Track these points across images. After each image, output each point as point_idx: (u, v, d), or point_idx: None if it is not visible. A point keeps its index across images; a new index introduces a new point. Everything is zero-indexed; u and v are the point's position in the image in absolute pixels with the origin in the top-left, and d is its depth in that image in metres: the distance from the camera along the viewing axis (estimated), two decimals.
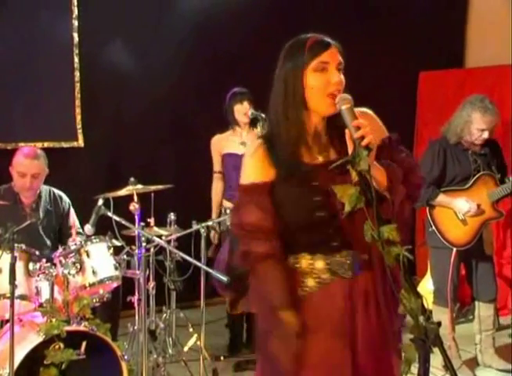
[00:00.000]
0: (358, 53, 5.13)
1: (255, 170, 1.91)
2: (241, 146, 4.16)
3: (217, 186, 4.38)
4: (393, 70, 5.73)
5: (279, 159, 1.88)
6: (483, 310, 3.96)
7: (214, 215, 4.38)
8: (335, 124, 1.88)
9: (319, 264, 1.90)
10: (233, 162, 4.07)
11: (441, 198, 3.80)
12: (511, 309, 5.00)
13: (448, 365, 1.57)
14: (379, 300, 1.91)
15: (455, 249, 3.83)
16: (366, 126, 1.73)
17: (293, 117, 1.86)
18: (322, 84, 1.83)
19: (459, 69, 6.13)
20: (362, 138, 1.71)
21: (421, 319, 1.56)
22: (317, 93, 1.83)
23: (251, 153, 1.94)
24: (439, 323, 1.58)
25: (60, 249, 3.43)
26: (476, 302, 4.01)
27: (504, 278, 5.27)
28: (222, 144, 4.31)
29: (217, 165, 4.38)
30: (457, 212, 3.82)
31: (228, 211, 4.18)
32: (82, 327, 3.10)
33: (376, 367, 1.92)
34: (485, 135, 3.76)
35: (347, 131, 1.78)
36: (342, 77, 1.87)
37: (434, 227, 3.85)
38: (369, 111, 1.97)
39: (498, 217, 3.95)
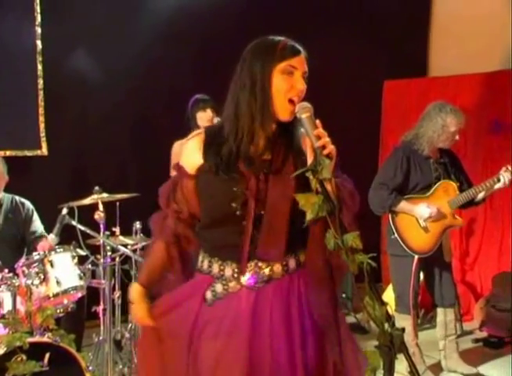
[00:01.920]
0: (323, 63, 5.17)
1: (187, 155, 2.00)
2: None
3: None
4: (358, 79, 5.80)
5: (213, 151, 1.89)
6: (444, 315, 3.99)
7: None
8: (286, 131, 1.90)
9: (228, 271, 1.89)
10: None
11: (403, 205, 3.83)
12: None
13: (413, 371, 1.58)
14: (291, 312, 1.86)
15: (416, 257, 3.87)
16: (327, 136, 1.73)
17: (260, 113, 1.84)
18: (286, 87, 1.83)
19: (423, 78, 6.24)
20: (323, 147, 1.71)
21: (386, 326, 1.57)
22: (279, 95, 1.83)
23: (190, 138, 2.02)
24: (403, 330, 1.60)
25: (23, 259, 3.38)
26: (438, 309, 4.03)
27: (467, 284, 5.34)
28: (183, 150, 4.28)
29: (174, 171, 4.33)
30: (419, 219, 3.86)
31: None
32: (45, 339, 3.05)
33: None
34: (457, 137, 3.85)
35: (307, 139, 1.78)
36: (305, 86, 1.87)
37: (396, 235, 3.88)
38: None
39: (457, 225, 4.02)
